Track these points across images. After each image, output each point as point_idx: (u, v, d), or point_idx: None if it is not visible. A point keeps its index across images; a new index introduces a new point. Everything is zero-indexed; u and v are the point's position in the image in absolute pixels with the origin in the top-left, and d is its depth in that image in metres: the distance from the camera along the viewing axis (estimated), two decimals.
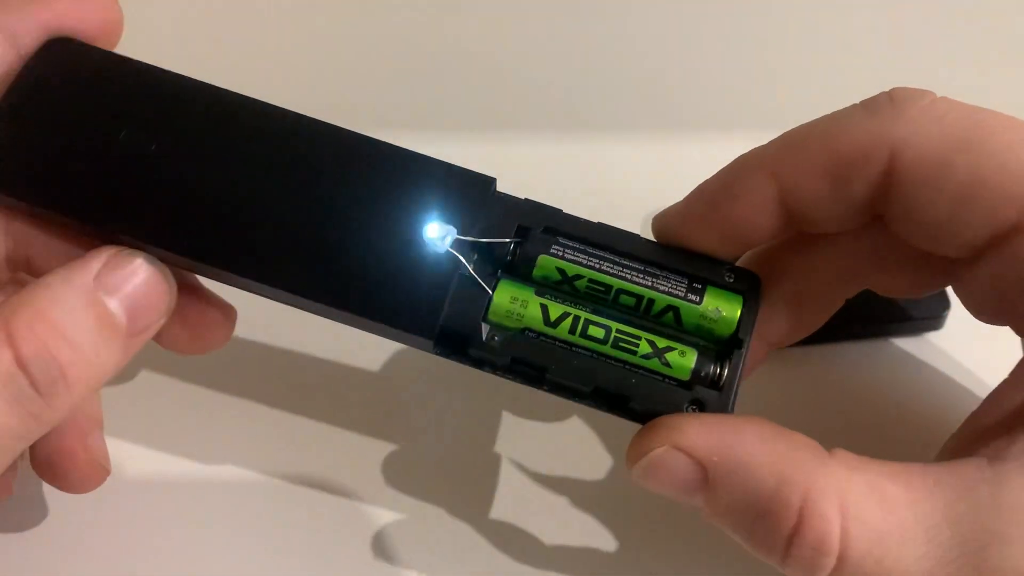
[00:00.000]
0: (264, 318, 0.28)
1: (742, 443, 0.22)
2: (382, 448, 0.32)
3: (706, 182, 0.25)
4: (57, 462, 0.27)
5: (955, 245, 0.23)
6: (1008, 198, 0.22)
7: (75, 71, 0.26)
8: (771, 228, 0.24)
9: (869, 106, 0.23)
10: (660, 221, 0.25)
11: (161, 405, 0.33)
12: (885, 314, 0.34)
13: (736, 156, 0.25)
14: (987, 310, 0.25)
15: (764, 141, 0.25)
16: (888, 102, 0.23)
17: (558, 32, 0.41)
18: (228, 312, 0.28)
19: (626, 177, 0.38)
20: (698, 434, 0.22)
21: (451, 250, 0.24)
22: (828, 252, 0.26)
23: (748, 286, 0.24)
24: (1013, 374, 0.24)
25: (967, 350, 0.35)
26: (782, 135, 0.24)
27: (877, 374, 0.34)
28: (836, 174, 0.23)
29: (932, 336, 0.35)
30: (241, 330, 0.32)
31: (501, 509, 0.31)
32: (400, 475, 0.32)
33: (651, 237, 0.25)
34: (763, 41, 0.41)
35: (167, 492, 0.31)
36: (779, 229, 0.24)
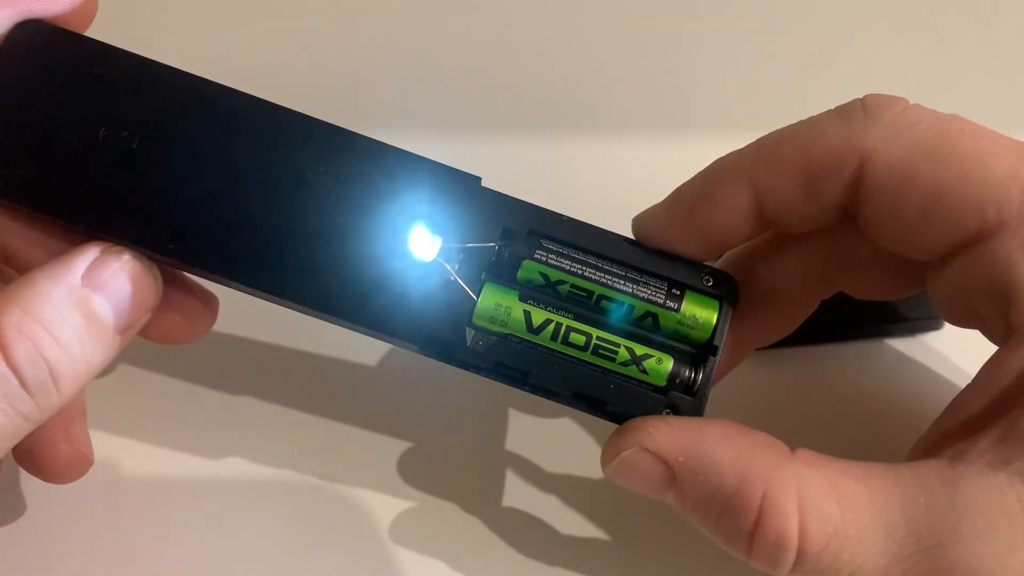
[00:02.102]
0: (263, 315, 0.27)
1: (706, 443, 0.22)
2: (384, 445, 0.32)
3: (683, 187, 0.25)
4: (39, 453, 0.26)
5: (922, 250, 0.23)
6: (970, 208, 0.22)
7: (47, 58, 0.24)
8: (747, 231, 0.24)
9: (843, 113, 0.23)
10: (640, 224, 0.25)
11: (161, 401, 0.32)
12: (884, 315, 0.34)
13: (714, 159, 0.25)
14: (954, 313, 0.25)
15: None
16: (861, 109, 0.23)
17: (549, 31, 0.40)
18: (210, 301, 0.28)
19: (615, 178, 0.38)
20: (665, 436, 0.23)
21: (438, 259, 0.24)
22: (802, 253, 0.26)
23: (725, 290, 0.24)
24: (977, 378, 0.24)
25: (965, 351, 0.32)
26: (758, 140, 0.24)
27: (876, 375, 0.34)
28: (809, 179, 0.23)
29: (931, 336, 0.35)
30: (241, 325, 0.33)
31: (507, 505, 0.31)
32: (403, 471, 0.31)
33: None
34: (754, 42, 0.41)
35: (165, 488, 0.30)
36: (754, 231, 0.25)
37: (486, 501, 0.31)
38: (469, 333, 0.24)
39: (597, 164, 0.39)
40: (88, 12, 0.25)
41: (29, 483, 0.30)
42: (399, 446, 0.32)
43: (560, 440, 0.32)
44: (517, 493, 0.31)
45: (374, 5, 0.39)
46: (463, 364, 0.24)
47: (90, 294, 0.23)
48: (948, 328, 0.35)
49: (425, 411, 0.33)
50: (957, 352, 0.34)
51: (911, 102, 0.23)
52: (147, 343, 0.27)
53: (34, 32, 0.24)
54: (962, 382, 0.32)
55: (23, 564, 0.29)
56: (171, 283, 0.26)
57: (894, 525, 0.21)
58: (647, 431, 0.23)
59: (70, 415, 0.27)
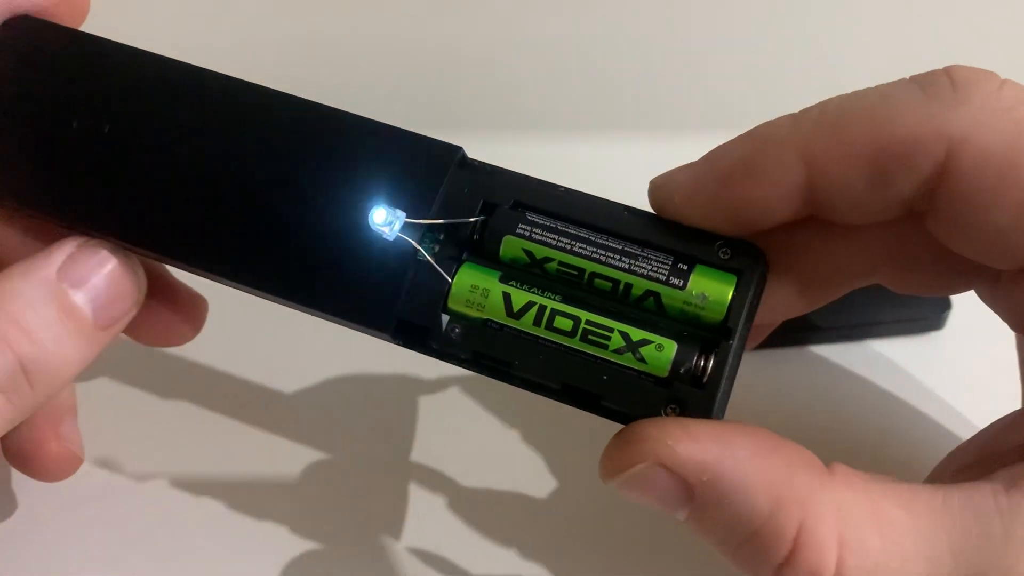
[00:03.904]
0: (263, 315, 0.27)
1: (735, 461, 0.19)
2: (366, 448, 0.31)
3: (720, 152, 0.21)
4: (29, 451, 0.26)
5: (1010, 259, 0.19)
6: None
7: (34, 51, 0.24)
8: (789, 213, 0.20)
9: (926, 86, 0.19)
10: (659, 189, 0.21)
11: (141, 405, 0.32)
12: (885, 314, 0.33)
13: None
14: None
15: None
16: (948, 85, 0.19)
17: (548, 30, 0.39)
18: (198, 303, 0.27)
19: (614, 177, 0.35)
20: (687, 451, 0.19)
21: (402, 235, 0.21)
22: (846, 240, 0.22)
23: (746, 262, 0.20)
24: None
25: (967, 350, 0.33)
26: (817, 107, 0.20)
27: (877, 375, 0.32)
28: (880, 166, 0.19)
29: (932, 336, 0.34)
30: (240, 326, 0.32)
31: (493, 506, 0.30)
32: (388, 475, 0.30)
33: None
34: (755, 40, 0.40)
35: (159, 489, 0.30)
36: (796, 214, 0.20)
37: (464, 506, 0.29)
38: (444, 319, 0.21)
39: (596, 164, 0.38)
40: (79, 5, 0.25)
41: (23, 483, 0.29)
42: (395, 448, 0.31)
43: (549, 438, 0.31)
44: (500, 494, 0.30)
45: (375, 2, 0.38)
46: (440, 354, 0.21)
47: (67, 289, 0.22)
48: (950, 328, 0.34)
49: (419, 412, 0.32)
50: (960, 352, 0.33)
51: (1003, 79, 0.19)
52: (141, 345, 0.27)
53: (23, 28, 0.24)
54: (966, 382, 0.32)
55: (17, 564, 0.28)
56: (158, 284, 0.25)
57: (939, 558, 0.18)
58: (665, 443, 0.19)
59: (60, 413, 0.26)
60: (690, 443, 0.19)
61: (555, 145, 0.38)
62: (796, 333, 0.32)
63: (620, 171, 0.37)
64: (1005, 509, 0.18)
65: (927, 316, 0.33)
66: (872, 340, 0.33)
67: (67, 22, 0.24)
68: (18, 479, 0.29)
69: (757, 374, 0.31)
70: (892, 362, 0.33)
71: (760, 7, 0.39)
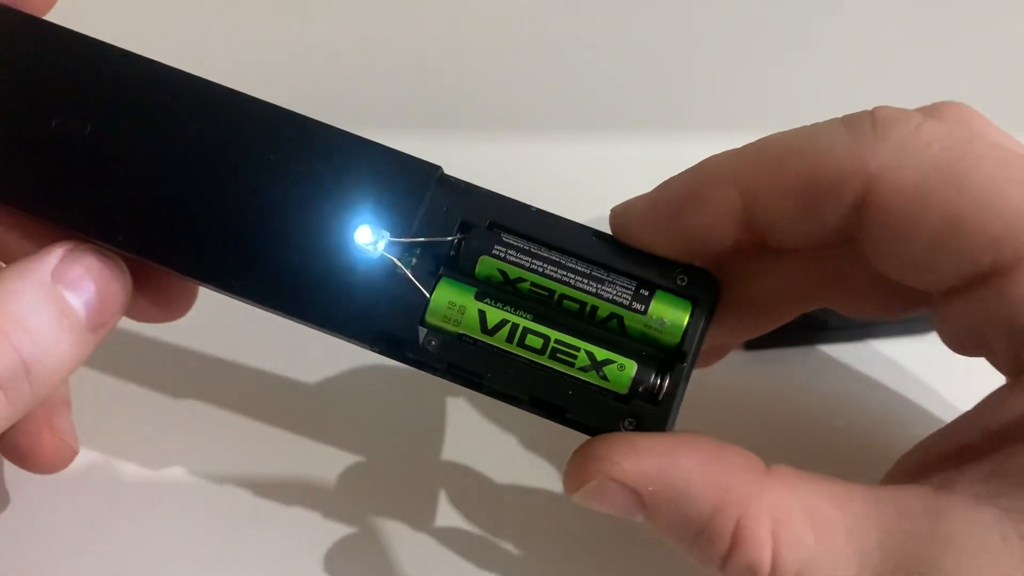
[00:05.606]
0: (260, 319, 0.27)
1: (678, 470, 0.21)
2: (348, 454, 0.31)
3: (670, 184, 0.23)
4: (23, 443, 0.26)
5: (928, 282, 0.21)
6: (987, 241, 0.19)
7: (5, 43, 0.24)
8: (733, 240, 0.22)
9: (851, 126, 0.21)
10: (618, 218, 0.23)
11: (143, 402, 0.32)
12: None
13: (703, 158, 0.23)
14: (958, 343, 0.23)
15: (729, 144, 0.22)
16: (870, 124, 0.20)
17: (545, 29, 0.39)
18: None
19: (612, 178, 0.37)
20: (633, 465, 0.21)
21: (385, 254, 0.22)
22: (792, 266, 0.24)
23: (702, 290, 0.22)
24: (977, 408, 0.22)
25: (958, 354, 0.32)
26: (755, 144, 0.22)
27: (877, 374, 0.33)
28: (808, 198, 0.21)
29: (932, 336, 0.33)
30: (236, 328, 0.32)
31: (473, 514, 0.30)
32: (369, 482, 0.30)
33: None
34: (754, 40, 0.40)
35: (129, 495, 0.30)
36: (742, 240, 0.22)
37: (446, 512, 0.30)
38: (421, 332, 0.22)
39: (594, 164, 0.38)
40: None
41: (18, 479, 0.29)
42: (356, 455, 0.31)
43: (524, 445, 0.31)
44: (478, 501, 0.30)
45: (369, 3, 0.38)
46: (416, 363, 0.22)
47: (62, 290, 0.23)
48: None
49: (386, 418, 0.32)
50: (954, 354, 0.32)
51: (923, 118, 0.20)
52: (139, 344, 0.28)
53: None
54: (954, 385, 0.32)
55: (14, 560, 0.28)
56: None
57: (869, 553, 0.20)
58: (612, 460, 0.21)
59: (54, 405, 0.27)
60: (635, 458, 0.21)
61: (552, 145, 0.38)
62: (797, 332, 0.32)
63: (614, 171, 0.37)
64: (932, 510, 0.20)
65: (920, 317, 0.32)
66: (865, 342, 0.33)
67: (35, 10, 0.24)
68: (13, 474, 0.29)
69: (743, 374, 0.32)
70: (892, 362, 0.33)
71: (761, 7, 0.39)
